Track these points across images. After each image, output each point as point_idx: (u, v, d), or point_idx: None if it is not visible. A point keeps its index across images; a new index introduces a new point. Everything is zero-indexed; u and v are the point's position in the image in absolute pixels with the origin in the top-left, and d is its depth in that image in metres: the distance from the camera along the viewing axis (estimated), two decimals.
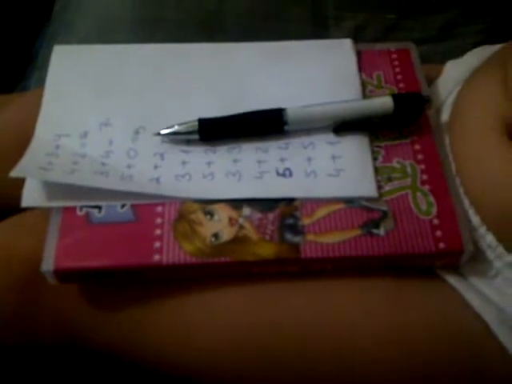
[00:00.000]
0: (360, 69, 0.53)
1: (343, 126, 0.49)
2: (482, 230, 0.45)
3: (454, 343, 0.44)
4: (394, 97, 0.49)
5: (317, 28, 0.63)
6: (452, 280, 0.45)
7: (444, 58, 0.58)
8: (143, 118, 0.51)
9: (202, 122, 0.49)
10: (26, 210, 0.47)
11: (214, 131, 0.50)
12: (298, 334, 0.45)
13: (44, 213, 0.47)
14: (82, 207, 0.46)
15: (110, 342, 0.47)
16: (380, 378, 0.45)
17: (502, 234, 0.45)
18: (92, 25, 0.62)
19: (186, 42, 0.56)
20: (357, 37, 0.60)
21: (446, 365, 0.44)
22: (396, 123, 0.50)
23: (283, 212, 0.46)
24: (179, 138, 0.50)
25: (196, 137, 0.49)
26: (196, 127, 0.49)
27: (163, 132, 0.50)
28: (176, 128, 0.49)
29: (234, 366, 0.46)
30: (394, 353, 0.44)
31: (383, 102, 0.50)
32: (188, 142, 0.50)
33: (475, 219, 0.46)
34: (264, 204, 0.46)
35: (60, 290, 0.46)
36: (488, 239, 0.45)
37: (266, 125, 0.50)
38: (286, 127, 0.49)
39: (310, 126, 0.50)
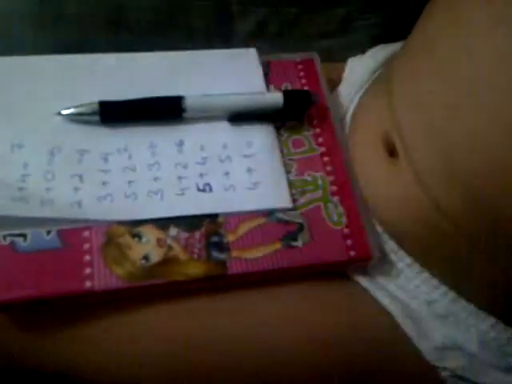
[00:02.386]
0: (269, 81, 0.56)
1: (238, 117, 0.52)
2: (385, 236, 0.50)
3: (365, 338, 0.49)
4: (285, 93, 0.53)
5: (221, 22, 0.64)
6: (362, 280, 0.50)
7: (344, 52, 0.61)
8: (57, 136, 0.50)
9: (103, 103, 0.51)
10: None
11: (115, 113, 0.51)
12: (225, 347, 0.48)
13: None
14: (5, 236, 0.46)
15: (43, 364, 0.48)
16: (294, 377, 0.49)
17: (398, 241, 0.50)
18: None
19: (90, 38, 0.55)
20: (260, 31, 0.62)
21: (361, 363, 0.49)
22: (286, 116, 0.54)
23: (208, 230, 0.48)
24: (80, 119, 0.51)
25: (97, 118, 0.51)
26: (97, 108, 0.50)
27: (64, 112, 0.50)
28: (77, 109, 0.50)
29: (166, 379, 0.48)
30: (308, 352, 0.48)
31: (275, 97, 0.53)
32: (89, 126, 0.51)
33: (378, 227, 0.51)
34: (189, 222, 0.48)
35: None
36: (390, 244, 0.50)
37: (165, 110, 0.52)
38: (184, 114, 0.52)
39: (207, 115, 0.52)
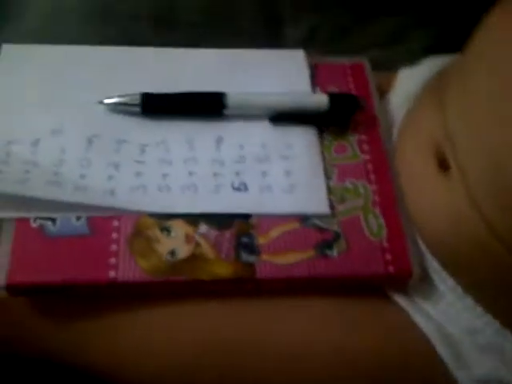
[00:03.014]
0: (315, 83, 0.54)
1: (280, 117, 0.51)
2: (428, 255, 0.48)
3: (401, 363, 0.46)
4: (331, 95, 0.51)
5: (272, 26, 0.63)
6: (400, 300, 0.47)
7: (395, 63, 0.59)
8: (97, 125, 0.50)
9: (145, 95, 0.50)
10: None
11: (157, 106, 0.51)
12: (248, 351, 0.46)
13: None
14: (35, 219, 0.45)
15: (59, 352, 0.47)
16: None
17: (442, 261, 0.47)
18: (39, 16, 0.60)
19: (138, 38, 0.55)
20: (311, 37, 0.61)
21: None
22: (330, 120, 0.52)
23: (239, 230, 0.46)
24: (122, 109, 0.50)
25: (138, 109, 0.50)
26: (139, 99, 0.50)
27: (106, 101, 0.50)
28: (119, 99, 0.50)
29: (181, 380, 0.47)
30: (342, 373, 0.46)
31: (320, 99, 0.51)
32: (130, 116, 0.50)
33: (422, 244, 0.48)
34: (220, 220, 0.47)
35: (8, 300, 0.45)
36: (433, 264, 0.47)
37: (206, 105, 0.51)
38: (225, 111, 0.50)
39: (248, 113, 0.51)
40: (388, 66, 0.60)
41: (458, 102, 0.47)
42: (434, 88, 0.52)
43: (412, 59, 0.59)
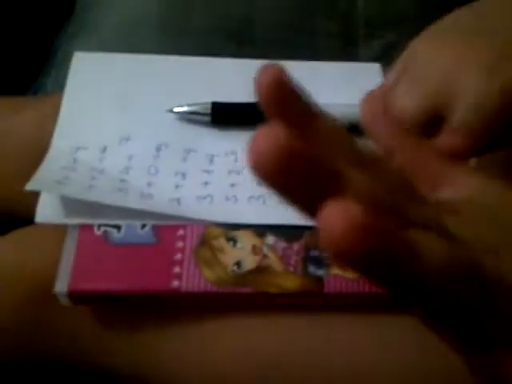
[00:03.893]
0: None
1: (354, 129, 0.49)
2: None
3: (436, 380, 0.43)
4: None
5: (346, 44, 0.62)
6: None
7: None
8: (165, 133, 0.49)
9: (216, 104, 0.50)
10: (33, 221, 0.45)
11: (227, 115, 0.50)
12: (313, 367, 0.44)
13: (54, 228, 0.45)
14: (100, 226, 0.45)
15: (116, 365, 0.46)
16: None
17: None
18: (115, 27, 0.60)
19: (213, 50, 0.55)
20: (387, 56, 0.59)
21: None
22: None
23: (308, 242, 0.44)
24: (192, 118, 0.50)
25: (208, 118, 0.50)
26: (209, 109, 0.50)
27: (176, 110, 0.50)
28: (189, 107, 0.50)
29: None
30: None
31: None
32: (199, 126, 0.50)
33: None
34: (288, 232, 0.45)
35: (67, 309, 0.44)
36: None
37: None
38: None
39: None
40: None
41: None
42: None
43: None
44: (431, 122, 0.35)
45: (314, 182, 0.20)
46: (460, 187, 0.30)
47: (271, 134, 0.20)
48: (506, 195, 0.29)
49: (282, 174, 0.20)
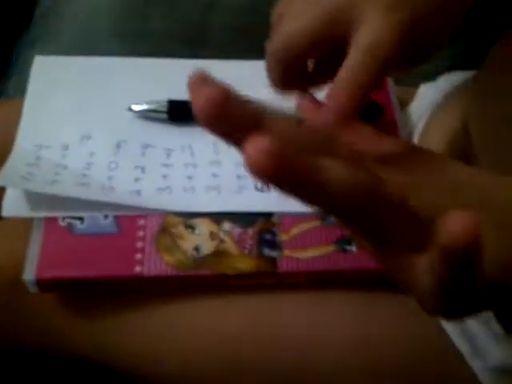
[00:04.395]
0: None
1: None
2: None
3: (418, 355, 0.46)
4: None
5: None
6: None
7: (417, 81, 0.60)
8: (124, 131, 0.52)
9: (173, 102, 0.53)
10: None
11: (183, 112, 0.52)
12: (267, 342, 0.47)
13: (19, 222, 0.47)
14: (64, 218, 0.47)
15: (86, 350, 0.48)
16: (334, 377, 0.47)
17: None
18: (74, 34, 0.63)
19: (169, 53, 0.58)
20: None
21: (406, 375, 0.46)
22: None
23: (262, 227, 0.48)
24: (149, 115, 0.53)
25: (165, 116, 0.52)
26: (166, 107, 0.52)
27: (135, 108, 0.52)
28: (147, 106, 0.53)
29: (204, 373, 0.47)
30: (356, 364, 0.46)
31: None
32: (157, 122, 0.53)
33: None
34: (243, 219, 0.48)
35: (38, 298, 0.46)
36: None
37: None
38: None
39: None
40: (412, 84, 0.61)
41: (478, 114, 0.49)
42: (456, 100, 0.54)
43: (434, 77, 0.61)
44: (326, 52, 0.38)
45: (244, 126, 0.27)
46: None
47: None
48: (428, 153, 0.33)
49: (220, 120, 0.26)
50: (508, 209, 0.31)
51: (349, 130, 0.34)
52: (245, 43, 0.66)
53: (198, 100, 0.26)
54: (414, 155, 0.33)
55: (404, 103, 0.59)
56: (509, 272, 0.29)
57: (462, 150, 0.49)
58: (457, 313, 0.31)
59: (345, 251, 0.47)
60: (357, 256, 0.47)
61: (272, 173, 0.23)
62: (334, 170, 0.26)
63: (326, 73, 0.40)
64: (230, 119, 0.26)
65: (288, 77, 0.39)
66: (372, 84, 0.36)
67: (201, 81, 0.27)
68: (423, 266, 0.27)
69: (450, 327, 0.46)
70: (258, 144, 0.23)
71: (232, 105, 0.26)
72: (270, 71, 0.40)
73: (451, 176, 0.32)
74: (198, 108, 0.27)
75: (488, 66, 0.49)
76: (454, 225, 0.24)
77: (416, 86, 0.61)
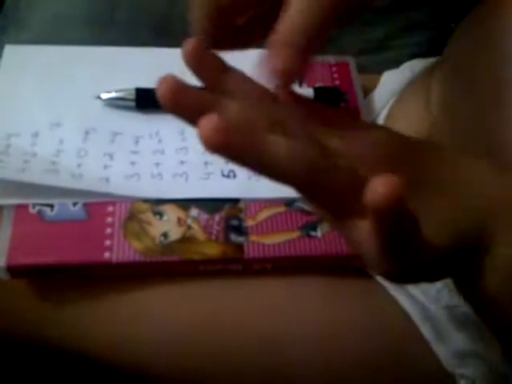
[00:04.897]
0: (302, 80, 0.57)
1: None
2: None
3: (381, 340, 0.48)
4: (316, 89, 0.55)
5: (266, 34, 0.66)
6: (382, 280, 0.50)
7: (381, 68, 0.62)
8: (93, 118, 0.53)
9: (140, 90, 0.53)
10: None
11: (150, 100, 0.53)
12: (235, 327, 0.48)
13: None
14: (34, 205, 0.48)
15: (57, 336, 0.49)
16: (306, 373, 0.48)
17: None
18: (43, 22, 0.63)
19: (138, 44, 0.58)
20: None
21: (371, 360, 0.48)
22: None
23: (228, 213, 0.49)
24: (117, 104, 0.54)
25: (132, 104, 0.53)
26: (133, 95, 0.53)
27: (103, 96, 0.53)
28: (115, 94, 0.53)
29: (175, 359, 0.48)
30: (323, 348, 0.48)
31: (305, 92, 0.55)
32: (125, 110, 0.54)
33: None
34: (210, 205, 0.49)
35: (9, 284, 0.47)
36: None
37: None
38: None
39: None
40: (375, 72, 0.63)
41: (439, 94, 0.50)
42: (419, 86, 0.55)
43: (398, 65, 0.62)
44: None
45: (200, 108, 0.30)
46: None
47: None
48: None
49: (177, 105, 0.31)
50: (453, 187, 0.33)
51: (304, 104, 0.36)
52: None
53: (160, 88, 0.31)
54: (364, 129, 0.35)
55: (367, 90, 0.60)
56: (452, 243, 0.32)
57: (426, 135, 0.50)
58: (402, 277, 0.34)
59: (310, 237, 0.48)
60: (322, 241, 0.48)
61: (222, 147, 0.27)
62: (281, 143, 0.29)
63: (256, 30, 0.40)
64: (188, 103, 0.31)
65: (215, 29, 0.39)
66: (319, 34, 0.35)
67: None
68: (366, 229, 0.30)
69: (415, 313, 0.48)
70: (209, 122, 0.27)
71: (189, 90, 0.31)
72: (196, 20, 0.40)
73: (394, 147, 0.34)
74: (159, 95, 0.31)
75: (455, 43, 0.50)
76: (376, 185, 0.26)
77: (379, 73, 0.62)
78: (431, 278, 0.36)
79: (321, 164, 0.30)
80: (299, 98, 0.36)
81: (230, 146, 0.28)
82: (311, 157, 0.30)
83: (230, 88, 0.34)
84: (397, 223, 0.28)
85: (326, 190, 0.31)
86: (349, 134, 0.34)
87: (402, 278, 0.34)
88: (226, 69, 0.35)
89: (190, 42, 0.35)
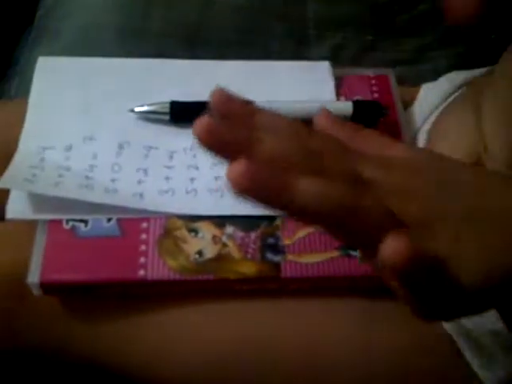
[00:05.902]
0: (340, 93, 0.56)
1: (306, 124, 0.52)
2: None
3: (423, 365, 0.46)
4: (355, 102, 0.53)
5: (299, 45, 0.65)
6: None
7: (417, 80, 0.61)
8: (127, 132, 0.52)
9: (175, 103, 0.52)
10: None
11: (185, 114, 0.52)
12: (270, 350, 0.47)
13: (25, 223, 0.47)
14: (68, 220, 0.47)
15: (88, 353, 0.48)
16: None
17: None
18: (76, 33, 0.63)
19: (170, 54, 0.58)
20: (336, 55, 0.63)
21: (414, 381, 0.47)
22: None
23: (265, 232, 0.48)
24: (151, 117, 0.53)
25: (167, 117, 0.52)
26: (167, 108, 0.52)
27: (137, 109, 0.52)
28: (149, 107, 0.52)
29: (212, 379, 0.47)
30: (360, 374, 0.46)
31: (344, 105, 0.53)
32: (159, 124, 0.53)
33: None
34: (246, 223, 0.48)
35: (41, 300, 0.47)
36: None
37: None
38: None
39: None
40: (413, 83, 0.62)
41: (492, 109, 0.49)
42: (468, 101, 0.54)
43: (436, 76, 0.61)
44: None
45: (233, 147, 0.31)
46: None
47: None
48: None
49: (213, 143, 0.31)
50: (497, 217, 0.32)
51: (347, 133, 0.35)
52: (242, 42, 0.66)
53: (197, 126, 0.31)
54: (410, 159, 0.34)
55: (405, 104, 0.59)
56: (492, 280, 0.31)
57: (476, 154, 0.49)
58: (437, 316, 0.34)
59: (349, 256, 0.47)
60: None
61: (249, 193, 0.28)
62: (310, 187, 0.29)
63: None
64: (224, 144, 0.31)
65: None
66: None
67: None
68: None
69: (457, 336, 0.46)
70: (237, 168, 0.28)
71: (225, 134, 0.31)
72: None
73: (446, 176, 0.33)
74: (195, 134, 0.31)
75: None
76: (387, 246, 0.27)
77: (414, 85, 0.61)
78: (473, 313, 0.35)
79: (350, 206, 0.29)
80: (335, 123, 0.35)
81: (257, 192, 0.28)
82: (341, 198, 0.29)
83: (265, 126, 0.33)
84: (415, 277, 0.29)
85: (353, 232, 0.30)
86: (386, 160, 0.33)
87: (439, 316, 0.34)
88: (255, 111, 0.34)
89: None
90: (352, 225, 0.30)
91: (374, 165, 0.32)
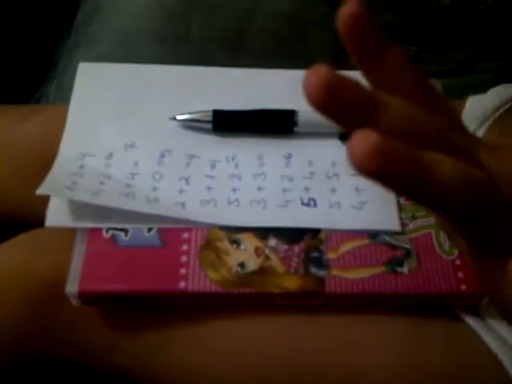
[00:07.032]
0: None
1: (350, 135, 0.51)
2: None
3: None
4: None
5: (339, 55, 0.64)
6: (470, 320, 0.46)
7: (462, 92, 0.59)
8: (168, 140, 0.51)
9: (217, 112, 0.51)
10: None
11: (227, 123, 0.51)
12: (312, 367, 0.45)
13: (59, 232, 0.47)
14: (108, 229, 0.46)
15: (125, 365, 0.47)
16: None
17: None
18: (115, 37, 0.62)
19: (211, 60, 0.57)
20: None
21: None
22: None
23: (308, 245, 0.46)
24: (193, 125, 0.52)
25: (209, 126, 0.51)
26: (210, 117, 0.51)
27: (179, 117, 0.51)
28: (191, 115, 0.51)
29: None
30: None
31: None
32: (201, 133, 0.52)
33: None
34: (289, 235, 0.47)
35: (77, 310, 0.46)
36: None
37: (276, 123, 0.52)
38: (295, 128, 0.51)
39: (318, 131, 0.51)
40: (455, 95, 0.60)
41: None
42: None
43: (480, 89, 0.59)
44: None
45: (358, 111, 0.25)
46: None
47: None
48: None
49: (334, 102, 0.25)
50: None
51: None
52: (285, 50, 0.65)
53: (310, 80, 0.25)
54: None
55: None
56: None
57: None
58: (495, 247, 0.29)
59: (396, 273, 0.45)
60: (409, 278, 0.45)
61: (377, 174, 0.23)
62: (445, 164, 0.24)
63: None
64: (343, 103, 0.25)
65: None
66: None
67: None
68: None
69: (504, 356, 0.44)
70: (363, 142, 0.22)
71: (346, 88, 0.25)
72: None
73: None
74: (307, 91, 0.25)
75: None
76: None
77: (459, 97, 0.59)
78: None
79: (489, 194, 0.26)
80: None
81: (387, 173, 0.23)
82: (480, 182, 0.25)
83: (389, 72, 0.29)
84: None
85: (486, 222, 0.27)
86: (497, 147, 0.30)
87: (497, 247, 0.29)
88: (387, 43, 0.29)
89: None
90: (482, 213, 0.26)
91: (488, 151, 0.29)
